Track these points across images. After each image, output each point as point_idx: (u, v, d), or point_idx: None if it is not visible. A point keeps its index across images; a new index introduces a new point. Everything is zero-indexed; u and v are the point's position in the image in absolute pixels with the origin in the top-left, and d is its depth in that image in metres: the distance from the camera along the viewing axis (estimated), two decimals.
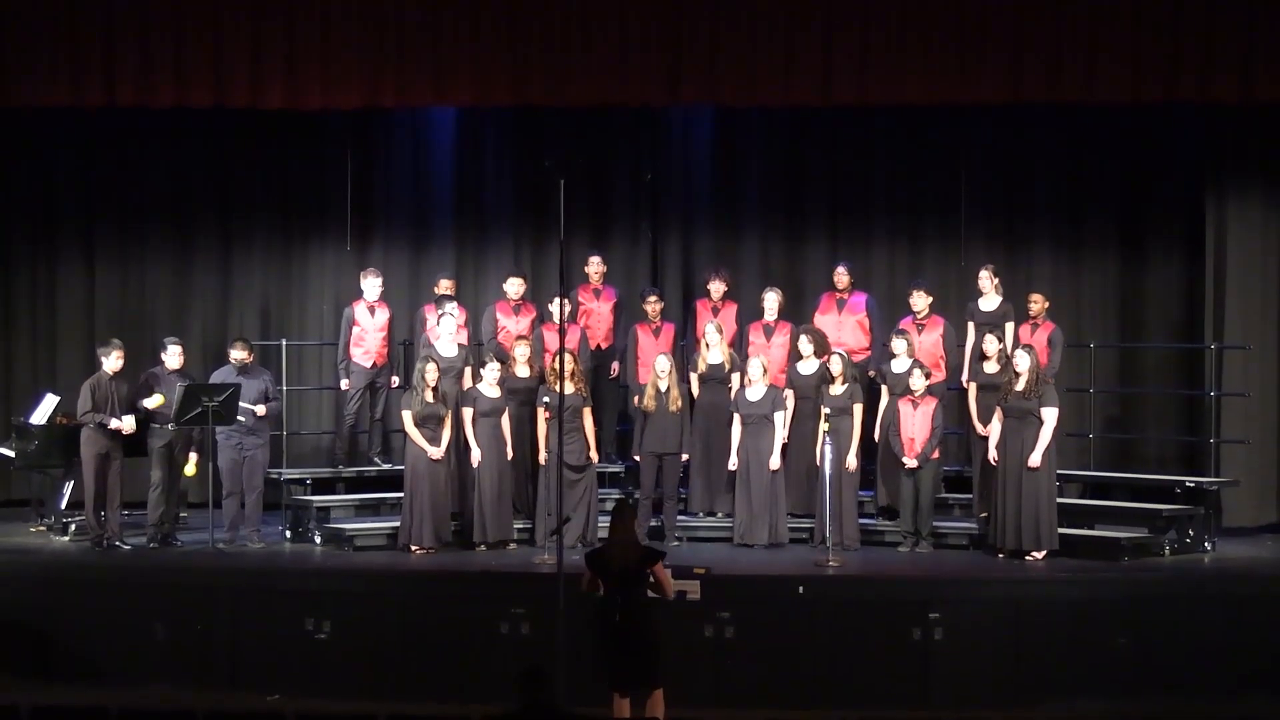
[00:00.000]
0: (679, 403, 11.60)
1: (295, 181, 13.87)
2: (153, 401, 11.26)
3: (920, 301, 12.09)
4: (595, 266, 12.68)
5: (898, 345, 11.69)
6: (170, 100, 11.87)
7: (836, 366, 11.52)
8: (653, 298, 12.43)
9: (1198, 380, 12.86)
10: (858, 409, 11.51)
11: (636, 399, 11.86)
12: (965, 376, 11.94)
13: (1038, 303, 11.98)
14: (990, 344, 11.53)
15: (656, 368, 11.64)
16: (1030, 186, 13.52)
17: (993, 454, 11.10)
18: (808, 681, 10.04)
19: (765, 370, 11.65)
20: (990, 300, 12.10)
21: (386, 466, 12.48)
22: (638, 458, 11.78)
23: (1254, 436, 12.44)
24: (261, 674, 10.35)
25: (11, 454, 12.24)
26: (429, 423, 11.30)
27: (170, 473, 11.46)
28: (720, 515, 11.96)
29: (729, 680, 10.04)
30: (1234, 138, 12.65)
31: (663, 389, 11.58)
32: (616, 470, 12.46)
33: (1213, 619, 10.24)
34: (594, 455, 11.70)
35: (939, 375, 11.84)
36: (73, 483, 11.99)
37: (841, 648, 10.07)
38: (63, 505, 12.08)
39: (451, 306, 12.07)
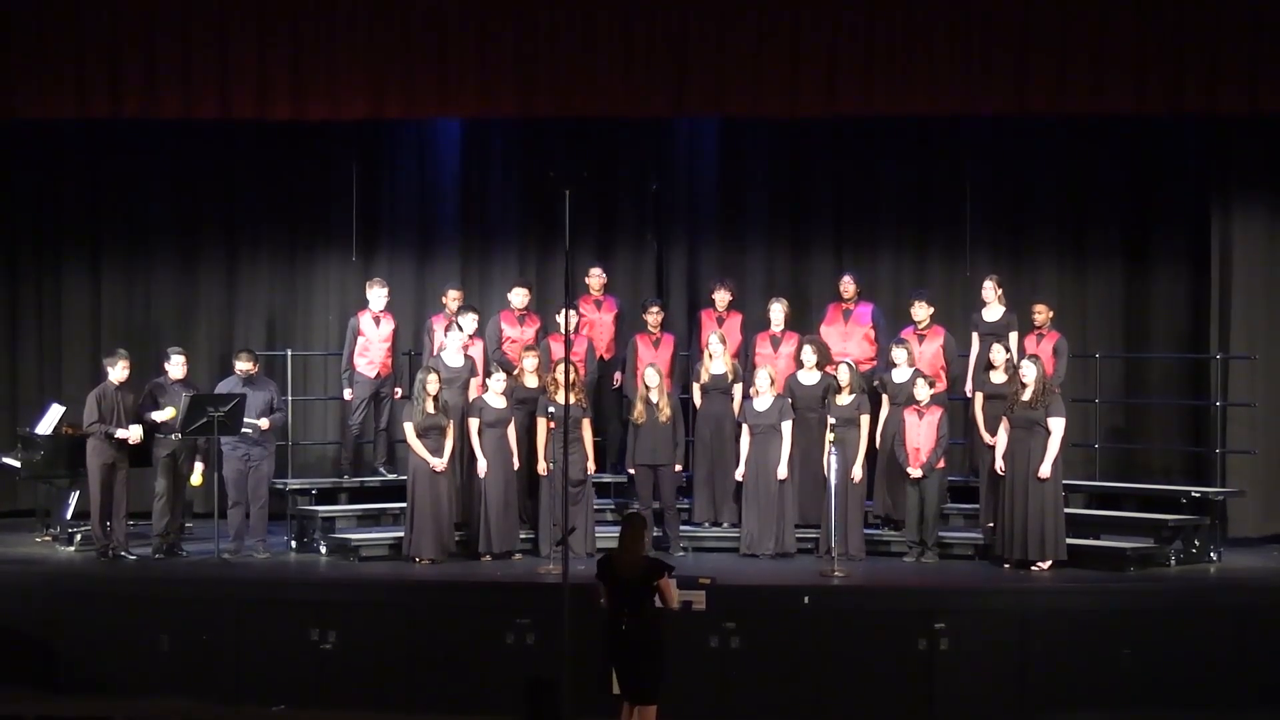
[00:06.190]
0: (668, 414, 11.62)
1: (301, 192, 13.89)
2: (163, 415, 11.26)
3: (921, 312, 12.10)
4: (596, 277, 12.70)
5: (898, 355, 11.70)
6: (176, 111, 11.90)
7: (844, 376, 11.52)
8: (654, 308, 12.43)
9: (1203, 391, 12.84)
10: (864, 420, 11.51)
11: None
12: (969, 387, 11.95)
13: (1042, 313, 11.97)
14: (996, 354, 11.53)
15: (645, 379, 11.66)
16: (1035, 197, 13.54)
17: (999, 464, 11.10)
18: (813, 692, 10.03)
19: (772, 380, 11.65)
20: (993, 310, 12.10)
21: (391, 477, 12.48)
22: (631, 470, 11.80)
23: (1259, 447, 12.45)
24: (266, 685, 10.35)
25: (17, 464, 12.24)
26: (431, 433, 11.31)
27: (175, 483, 11.46)
28: (725, 525, 11.95)
29: (734, 691, 10.03)
30: (1239, 149, 12.66)
31: (653, 400, 11.60)
32: (621, 480, 12.46)
33: (1218, 630, 10.23)
34: (592, 467, 11.72)
35: (940, 385, 11.84)
36: (78, 493, 12.01)
37: (847, 658, 10.06)
38: (68, 515, 12.10)
39: (467, 319, 12.08)
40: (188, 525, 12.16)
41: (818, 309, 12.97)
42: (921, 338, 12.04)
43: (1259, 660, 10.19)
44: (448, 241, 13.92)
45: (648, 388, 11.63)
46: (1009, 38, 11.53)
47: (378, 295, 12.47)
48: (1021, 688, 10.06)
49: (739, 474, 11.69)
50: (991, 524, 11.32)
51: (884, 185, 13.68)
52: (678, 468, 11.80)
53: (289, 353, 12.89)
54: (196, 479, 11.55)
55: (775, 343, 12.23)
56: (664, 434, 11.63)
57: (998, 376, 11.51)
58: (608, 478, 12.45)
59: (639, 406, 11.66)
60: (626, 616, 8.38)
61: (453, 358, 11.86)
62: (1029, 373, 10.96)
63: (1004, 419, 11.08)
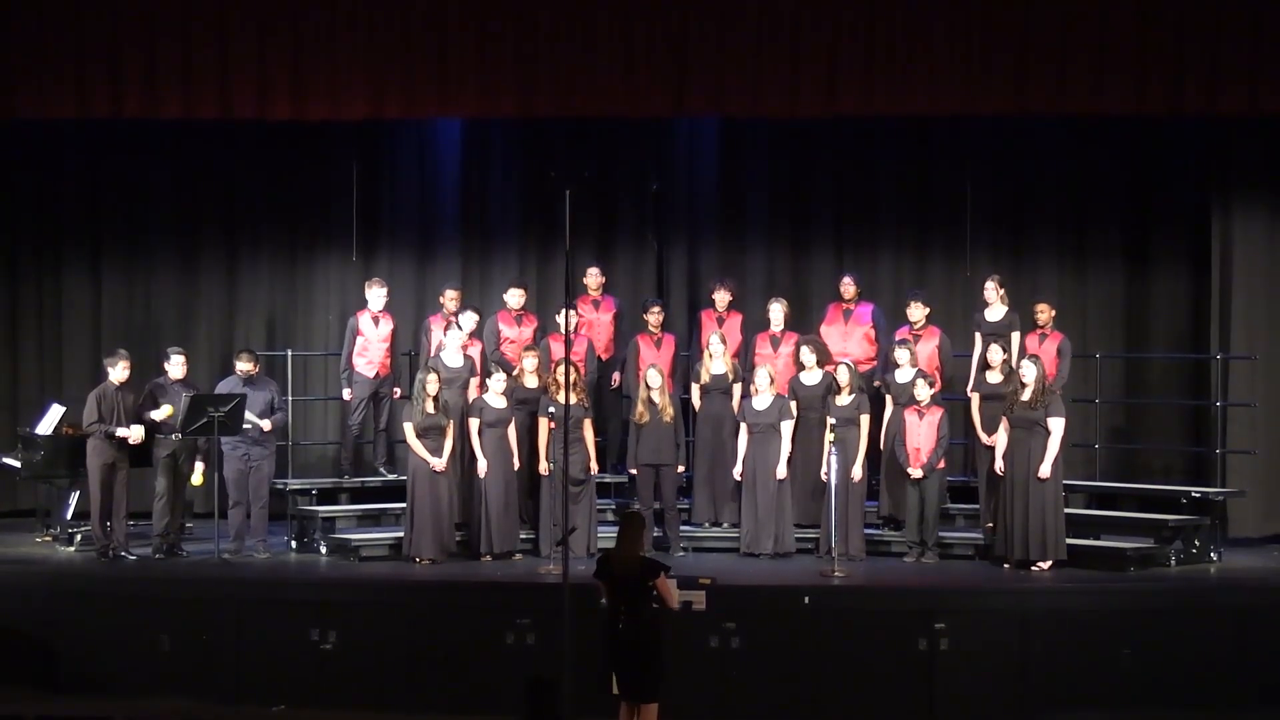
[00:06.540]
0: (671, 414, 11.62)
1: (301, 192, 13.89)
2: (160, 413, 11.26)
3: (917, 312, 12.10)
4: (594, 277, 12.70)
5: (901, 355, 11.70)
6: (177, 111, 11.90)
7: (844, 377, 11.51)
8: (655, 308, 12.43)
9: (1203, 391, 12.84)
10: (864, 419, 11.50)
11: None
12: (970, 386, 11.94)
13: (1044, 312, 11.96)
14: (995, 354, 11.53)
15: (647, 380, 11.67)
16: (1036, 197, 13.54)
17: (999, 464, 11.10)
18: (813, 692, 10.04)
19: (772, 380, 11.65)
20: (995, 310, 12.09)
21: (391, 477, 12.48)
22: (633, 470, 11.80)
23: (1259, 447, 12.45)
24: (266, 685, 10.35)
25: (18, 464, 12.25)
26: (430, 433, 11.31)
27: (175, 483, 11.46)
28: (725, 525, 11.96)
29: (734, 691, 10.03)
30: (1239, 149, 12.66)
31: (655, 401, 11.60)
32: (621, 480, 12.46)
33: (1218, 630, 10.23)
34: (594, 466, 11.72)
35: (936, 385, 11.83)
36: (78, 493, 12.02)
37: (847, 658, 10.06)
38: (68, 516, 12.10)
39: (466, 319, 12.08)
40: (188, 525, 12.16)
41: (818, 309, 12.97)
42: (917, 338, 12.03)
43: (1259, 660, 10.19)
44: (448, 241, 13.92)
45: (650, 388, 11.64)
46: (1009, 38, 11.53)
47: (377, 295, 12.47)
48: (1021, 688, 10.06)
49: (736, 473, 11.69)
50: (991, 524, 11.33)
51: (884, 185, 13.68)
52: (680, 468, 11.81)
53: (289, 353, 12.89)
54: (197, 479, 11.56)
55: (775, 343, 12.22)
56: (667, 434, 11.64)
57: (994, 377, 11.51)
58: (608, 478, 12.45)
59: (640, 407, 11.67)
60: (624, 616, 8.39)
61: (452, 358, 11.86)
62: (1029, 373, 10.95)
63: (1004, 419, 11.08)
